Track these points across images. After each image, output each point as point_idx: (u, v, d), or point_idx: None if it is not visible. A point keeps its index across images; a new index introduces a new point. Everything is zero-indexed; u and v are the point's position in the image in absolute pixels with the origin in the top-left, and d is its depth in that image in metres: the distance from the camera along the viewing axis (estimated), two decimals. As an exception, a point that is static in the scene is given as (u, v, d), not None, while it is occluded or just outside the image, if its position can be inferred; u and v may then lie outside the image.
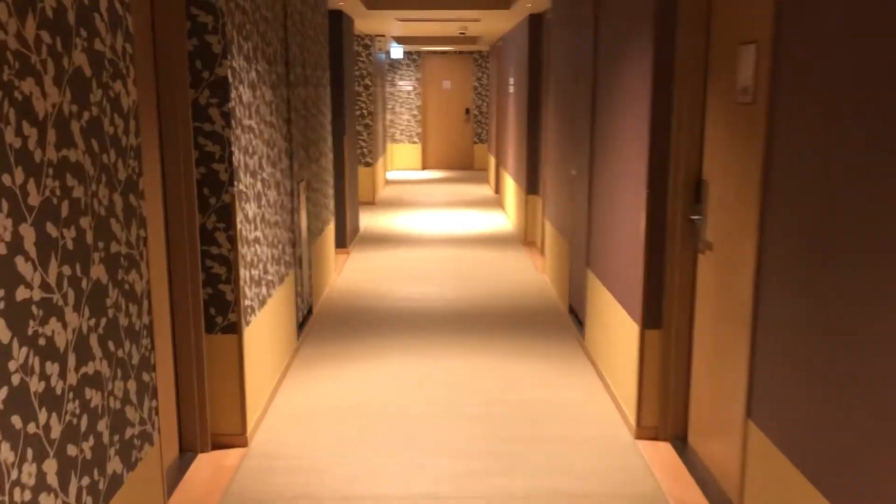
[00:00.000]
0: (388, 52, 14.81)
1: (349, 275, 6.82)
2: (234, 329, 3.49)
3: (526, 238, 8.13)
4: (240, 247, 3.48)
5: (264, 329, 3.94)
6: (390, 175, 14.87)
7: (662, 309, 3.54)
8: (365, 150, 10.90)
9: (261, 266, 3.87)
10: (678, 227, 3.43)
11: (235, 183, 3.42)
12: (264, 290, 3.95)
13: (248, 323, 3.61)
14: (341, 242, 7.67)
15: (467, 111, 15.56)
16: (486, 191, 12.60)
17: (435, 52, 15.39)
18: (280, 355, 4.31)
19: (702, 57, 3.29)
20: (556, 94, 6.16)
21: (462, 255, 7.65)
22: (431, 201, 11.43)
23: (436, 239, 8.49)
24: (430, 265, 7.18)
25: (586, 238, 4.77)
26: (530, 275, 6.79)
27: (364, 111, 10.82)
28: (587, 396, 4.10)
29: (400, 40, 12.61)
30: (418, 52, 15.37)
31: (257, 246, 3.80)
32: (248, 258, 3.64)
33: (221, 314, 3.48)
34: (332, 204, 6.58)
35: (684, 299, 3.48)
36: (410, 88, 15.50)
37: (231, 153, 3.37)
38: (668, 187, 3.45)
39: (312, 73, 5.56)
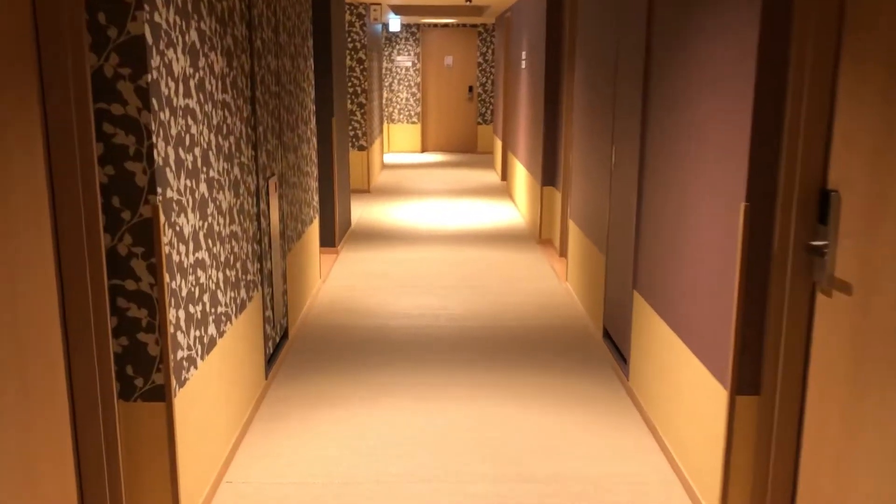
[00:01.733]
0: (384, 24, 13.69)
1: (336, 282, 5.79)
2: (161, 394, 2.47)
3: (541, 235, 7.11)
4: (169, 279, 2.46)
5: (213, 382, 2.93)
6: (388, 158, 13.81)
7: (762, 369, 2.53)
8: (359, 132, 9.84)
9: (207, 298, 2.86)
10: (790, 257, 2.42)
11: (160, 189, 2.39)
12: (212, 329, 2.93)
13: (183, 382, 2.60)
14: (329, 241, 6.65)
15: (471, 89, 14.47)
16: (491, 177, 11.55)
17: (436, 25, 14.27)
18: (239, 407, 3.31)
19: (835, 12, 2.25)
20: (584, 69, 5.11)
21: (468, 256, 6.62)
22: (432, 189, 10.39)
23: (438, 235, 7.46)
24: (431, 269, 6.16)
25: (633, 254, 3.74)
26: (550, 283, 5.77)
27: (358, 88, 9.75)
28: (644, 469, 3.10)
29: (398, 10, 11.50)
30: (417, 25, 14.26)
31: (200, 272, 2.78)
32: (185, 292, 2.62)
33: (142, 374, 2.47)
34: (316, 199, 5.54)
35: (795, 357, 2.47)
36: (409, 64, 14.40)
37: (152, 146, 2.34)
38: (778, 200, 2.43)
39: (290, 40, 4.51)
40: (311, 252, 5.27)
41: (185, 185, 2.63)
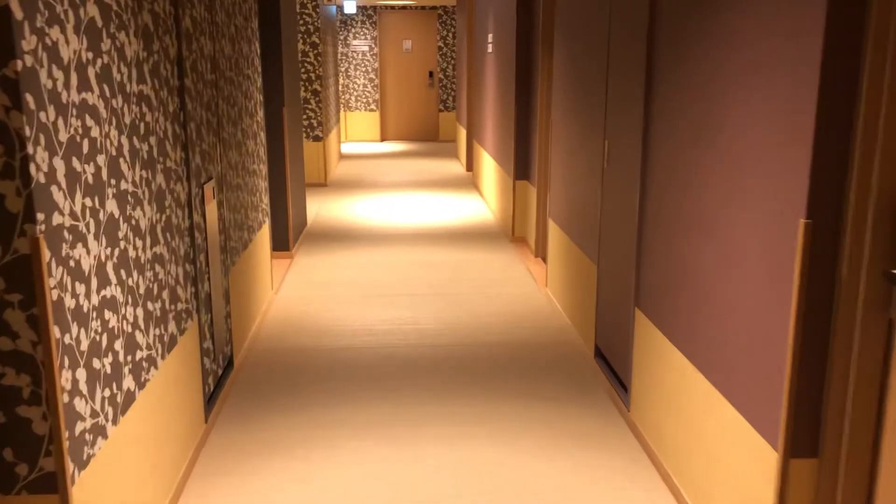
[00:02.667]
0: (339, 7, 13.01)
1: (291, 292, 5.19)
2: (53, 484, 1.88)
3: (514, 233, 6.57)
4: (59, 332, 1.86)
5: (131, 449, 2.33)
6: (345, 148, 13.15)
7: (823, 426, 2.03)
8: (314, 121, 9.19)
9: (120, 345, 2.25)
10: (863, 287, 1.91)
11: (42, 215, 1.79)
12: (129, 382, 2.33)
13: (85, 462, 2.00)
14: (282, 244, 6.03)
15: (431, 75, 13.85)
16: (456, 167, 10.98)
17: (393, 8, 13.61)
18: (171, 467, 2.71)
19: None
20: (567, 53, 4.57)
21: (437, 257, 6.06)
22: (394, 181, 9.79)
23: (402, 233, 6.88)
24: (397, 274, 5.59)
25: (634, 267, 3.22)
26: (528, 289, 5.24)
27: (312, 75, 9.09)
28: (659, 531, 2.59)
29: (354, -8, 10.84)
30: (374, 8, 13.58)
31: (110, 314, 2.18)
32: (87, 344, 2.02)
33: (26, 459, 1.87)
34: (265, 200, 4.92)
35: (866, 411, 1.97)
36: (366, 49, 13.73)
37: (28, 158, 1.73)
38: (847, 216, 1.91)
39: (229, 20, 3.88)
40: (260, 262, 4.66)
41: (84, 206, 2.02)
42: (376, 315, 4.72)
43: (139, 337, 2.42)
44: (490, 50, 7.82)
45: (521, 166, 6.42)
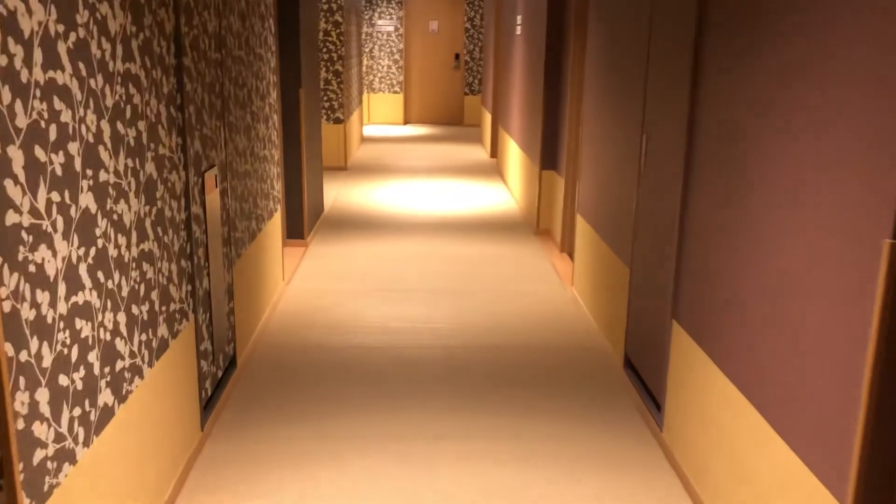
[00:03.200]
0: (365, -14, 12.72)
1: (303, 283, 4.94)
2: (5, 523, 1.63)
3: (538, 225, 6.27)
4: (13, 349, 1.60)
5: (104, 473, 2.08)
6: (367, 130, 12.87)
7: (901, 480, 1.73)
8: (335, 103, 8.92)
9: (95, 356, 2.00)
10: (959, 323, 1.60)
11: (-8, 214, 1.53)
12: (107, 396, 2.08)
13: (48, 493, 1.75)
14: (296, 232, 5.78)
15: (457, 57, 13.52)
16: (480, 153, 10.67)
17: (420, -12, 13.27)
18: (158, 482, 2.47)
19: None
20: (602, 39, 4.25)
21: (457, 250, 5.78)
22: (416, 166, 9.50)
23: (422, 223, 6.60)
24: (414, 266, 5.32)
25: (673, 274, 2.92)
26: (553, 287, 4.95)
27: (334, 55, 8.81)
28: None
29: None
30: (401, -13, 13.25)
31: (82, 323, 1.93)
32: (51, 359, 1.77)
33: (-26, 494, 1.62)
34: (277, 187, 4.66)
35: (954, 467, 1.67)
36: (391, 29, 13.41)
37: (-26, 149, 1.47)
38: (943, 236, 1.60)
39: (238, -6, 3.61)
40: (270, 253, 4.41)
41: (50, 202, 1.76)
42: (390, 311, 4.45)
43: (120, 345, 2.17)
44: (518, 32, 7.48)
45: (548, 156, 6.11)
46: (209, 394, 3.13)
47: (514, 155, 7.68)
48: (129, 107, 2.23)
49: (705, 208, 2.63)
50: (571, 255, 5.63)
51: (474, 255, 5.65)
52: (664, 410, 3.01)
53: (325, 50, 8.78)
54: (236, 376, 3.52)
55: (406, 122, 13.73)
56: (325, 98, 8.91)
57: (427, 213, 6.96)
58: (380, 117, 13.67)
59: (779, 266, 2.10)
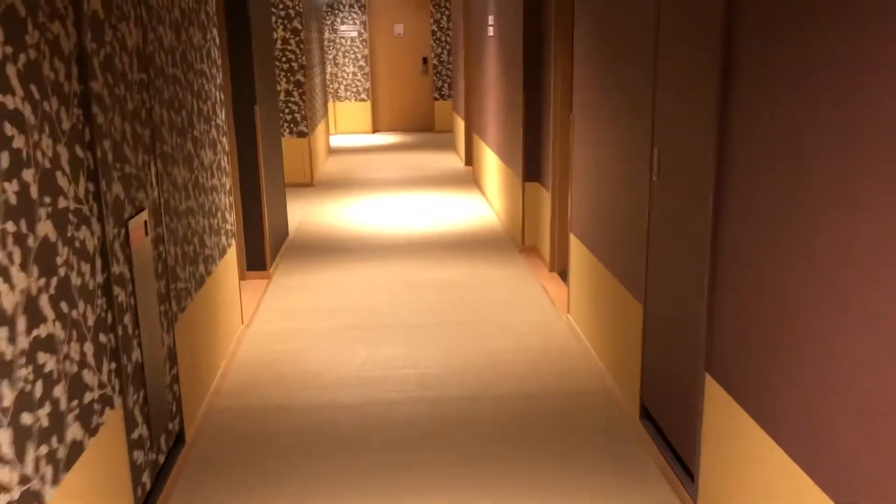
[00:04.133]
0: (325, -10, 12.18)
1: (265, 324, 4.39)
2: None
3: (524, 242, 5.77)
4: None
5: None
6: (335, 141, 12.30)
7: None
8: (297, 115, 8.36)
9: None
10: None
11: None
12: (-18, 549, 1.54)
13: None
14: (258, 263, 5.22)
15: (425, 61, 13.00)
16: (454, 161, 10.15)
17: (383, -10, 12.73)
18: None
19: None
20: (593, 34, 3.75)
21: (437, 274, 5.26)
22: (387, 178, 8.96)
23: (397, 243, 6.07)
24: (391, 296, 4.79)
25: (704, 319, 2.42)
26: (547, 315, 4.45)
27: (294, 64, 8.24)
28: None
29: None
30: (363, -10, 12.71)
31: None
32: None
33: None
34: (231, 219, 4.11)
35: None
36: (355, 34, 12.86)
37: None
38: None
39: (169, 2, 3.06)
40: (224, 296, 3.86)
41: None
42: (367, 354, 3.92)
43: (4, 473, 1.62)
44: (491, 34, 6.98)
45: (530, 166, 5.61)
46: (149, 488, 2.58)
47: (492, 164, 7.17)
48: (4, 153, 1.68)
49: (748, 233, 2.13)
50: (563, 276, 5.14)
51: (457, 279, 5.13)
52: (698, 481, 2.51)
53: (283, 59, 8.21)
54: (185, 455, 2.97)
55: (375, 130, 13.18)
56: (287, 111, 8.35)
57: (402, 232, 6.43)
58: (347, 127, 13.11)
59: (861, 322, 1.60)
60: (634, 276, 3.15)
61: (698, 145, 2.44)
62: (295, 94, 8.31)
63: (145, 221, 2.59)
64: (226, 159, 4.01)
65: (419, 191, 8.18)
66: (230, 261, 4.01)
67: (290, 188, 8.46)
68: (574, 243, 4.16)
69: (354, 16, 12.78)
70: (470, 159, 9.65)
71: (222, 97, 3.98)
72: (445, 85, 13.04)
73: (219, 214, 3.79)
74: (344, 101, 13.02)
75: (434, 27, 12.84)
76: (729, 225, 2.25)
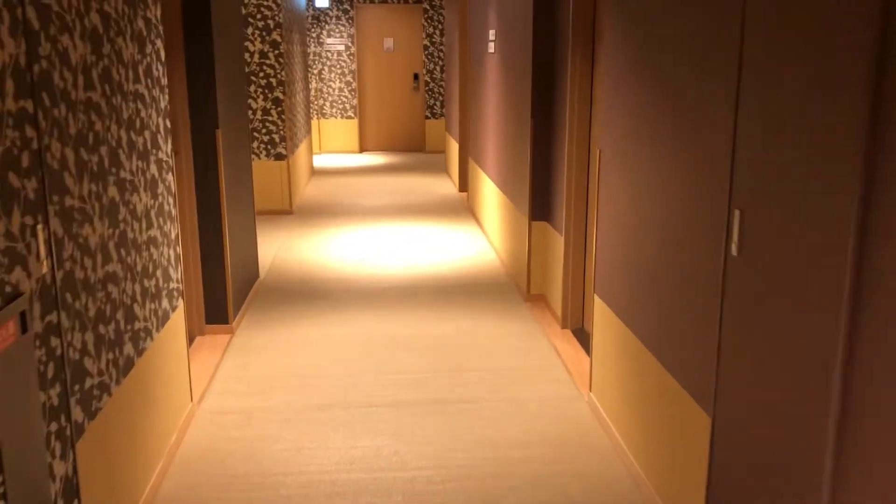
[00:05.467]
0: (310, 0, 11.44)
1: (220, 399, 3.60)
2: None
3: (529, 289, 5.01)
4: None
5: None
6: (319, 161, 11.54)
7: None
8: (275, 136, 7.59)
9: None
10: None
11: None
12: None
13: None
14: (218, 315, 4.44)
15: (416, 77, 12.27)
16: (447, 186, 9.40)
17: (373, 1, 12.02)
18: None
19: None
20: (634, 49, 3.02)
21: (429, 328, 4.48)
22: (374, 205, 8.19)
23: (382, 288, 5.29)
24: (374, 361, 4.01)
25: (830, 466, 1.66)
26: (565, 390, 3.68)
27: (272, 80, 7.48)
28: None
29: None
30: (351, 2, 11.98)
31: None
32: None
33: None
34: (176, 274, 3.33)
35: None
36: (342, 48, 12.12)
37: None
38: None
39: (82, 3, 2.29)
40: (164, 374, 3.07)
41: None
42: (344, 448, 3.14)
43: None
44: (492, 50, 6.25)
45: (539, 204, 4.87)
46: None
47: (492, 196, 6.42)
48: None
49: (924, 382, 1.38)
50: (578, 335, 4.38)
51: (453, 336, 4.36)
52: None
53: (261, 75, 7.45)
54: None
55: (362, 149, 12.43)
56: (265, 131, 7.58)
57: (390, 272, 5.66)
58: (332, 145, 12.35)
59: None
60: (696, 377, 2.39)
61: (821, 210, 1.69)
62: (273, 112, 7.55)
63: (22, 313, 1.81)
64: (171, 201, 3.23)
65: (409, 220, 7.42)
66: (175, 327, 3.22)
67: (266, 216, 7.68)
68: (599, 306, 3.40)
69: (342, 28, 12.05)
70: (465, 185, 8.91)
71: (168, 125, 3.21)
72: (438, 103, 12.31)
73: (158, 274, 3.01)
74: (329, 119, 12.26)
75: (426, 42, 12.13)
76: (873, 333, 1.50)
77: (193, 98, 4.18)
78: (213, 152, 4.25)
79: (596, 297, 3.46)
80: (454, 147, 9.32)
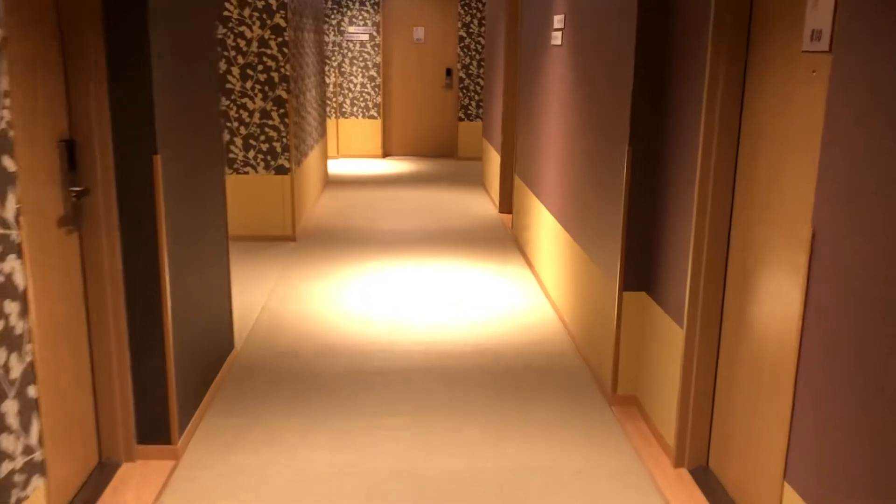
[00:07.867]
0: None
1: None
2: None
3: (616, 387, 3.48)
4: None
5: None
6: (336, 166, 10.06)
7: None
8: (276, 144, 6.11)
9: None
10: None
11: None
12: None
13: None
14: (156, 431, 2.95)
15: (449, 73, 10.73)
16: (484, 204, 7.87)
17: (402, -15, 10.48)
18: None
19: None
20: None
21: (472, 454, 2.97)
22: (397, 229, 6.69)
23: (405, 370, 3.78)
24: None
25: None
26: None
27: (274, 75, 6.00)
28: None
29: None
30: (377, -15, 10.47)
31: None
32: None
33: None
34: (34, 437, 1.84)
35: None
36: (366, 38, 10.62)
37: None
38: None
39: None
40: None
41: None
42: None
43: None
44: (558, 42, 4.71)
45: (636, 268, 3.33)
46: None
47: (550, 234, 4.88)
48: None
49: None
50: (699, 479, 2.83)
51: (506, 475, 2.84)
52: None
53: (260, 69, 5.97)
54: None
55: (385, 154, 10.93)
56: (263, 139, 6.10)
57: (411, 341, 4.15)
58: (352, 149, 10.86)
59: None
60: None
61: None
62: (274, 115, 6.06)
63: None
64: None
65: (439, 254, 5.90)
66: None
67: (261, 245, 6.21)
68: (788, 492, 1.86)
69: (366, 15, 10.53)
70: (507, 205, 7.38)
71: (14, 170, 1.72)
72: (473, 103, 10.75)
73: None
74: (349, 118, 10.77)
75: (462, 32, 10.58)
76: None
77: (117, 112, 2.69)
78: (148, 187, 2.77)
79: (787, 485, 1.92)
80: (494, 158, 7.78)
